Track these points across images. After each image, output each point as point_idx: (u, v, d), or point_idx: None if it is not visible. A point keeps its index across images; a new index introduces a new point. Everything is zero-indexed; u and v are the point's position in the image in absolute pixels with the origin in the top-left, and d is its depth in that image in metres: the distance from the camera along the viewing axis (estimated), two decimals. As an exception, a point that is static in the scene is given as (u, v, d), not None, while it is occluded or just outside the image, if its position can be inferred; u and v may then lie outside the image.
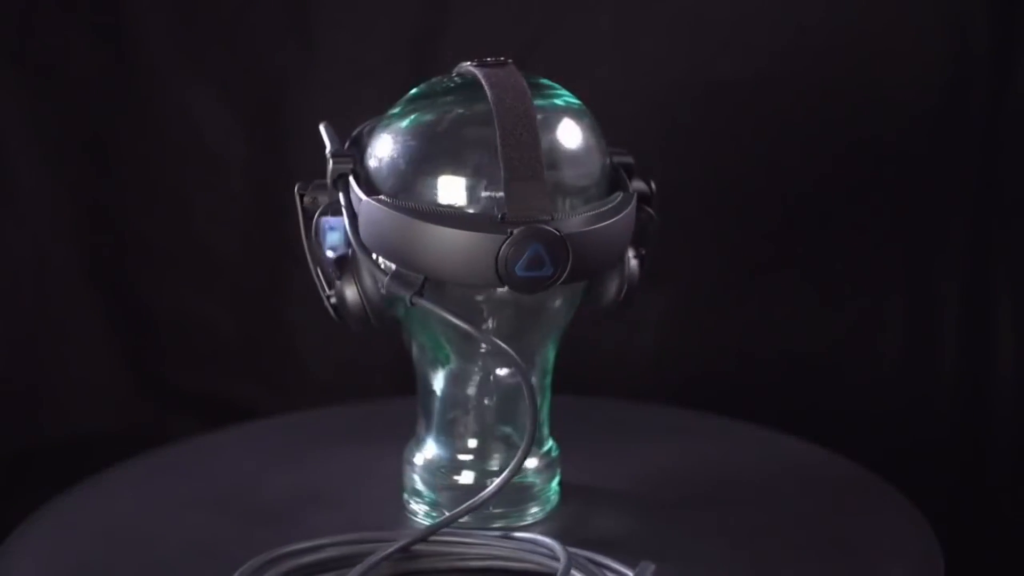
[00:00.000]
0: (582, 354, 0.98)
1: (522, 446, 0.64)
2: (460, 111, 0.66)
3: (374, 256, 0.67)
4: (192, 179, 1.22)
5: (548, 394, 0.74)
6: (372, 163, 0.68)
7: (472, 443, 0.72)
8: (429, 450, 0.73)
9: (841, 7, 1.13)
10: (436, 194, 0.65)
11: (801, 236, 1.17)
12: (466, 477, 0.72)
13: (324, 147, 0.69)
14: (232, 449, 0.93)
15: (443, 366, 0.71)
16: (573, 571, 0.62)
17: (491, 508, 0.71)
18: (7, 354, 1.20)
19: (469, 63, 0.67)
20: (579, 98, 0.71)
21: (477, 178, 0.64)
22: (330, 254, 0.69)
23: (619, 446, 0.85)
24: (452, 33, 1.17)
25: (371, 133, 0.69)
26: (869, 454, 0.85)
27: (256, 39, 1.21)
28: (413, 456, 0.74)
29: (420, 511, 0.74)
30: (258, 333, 1.23)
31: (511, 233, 0.61)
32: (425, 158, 0.65)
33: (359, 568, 0.62)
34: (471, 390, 0.72)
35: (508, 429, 0.72)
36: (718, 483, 0.81)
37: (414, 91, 0.70)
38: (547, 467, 0.74)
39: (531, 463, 0.73)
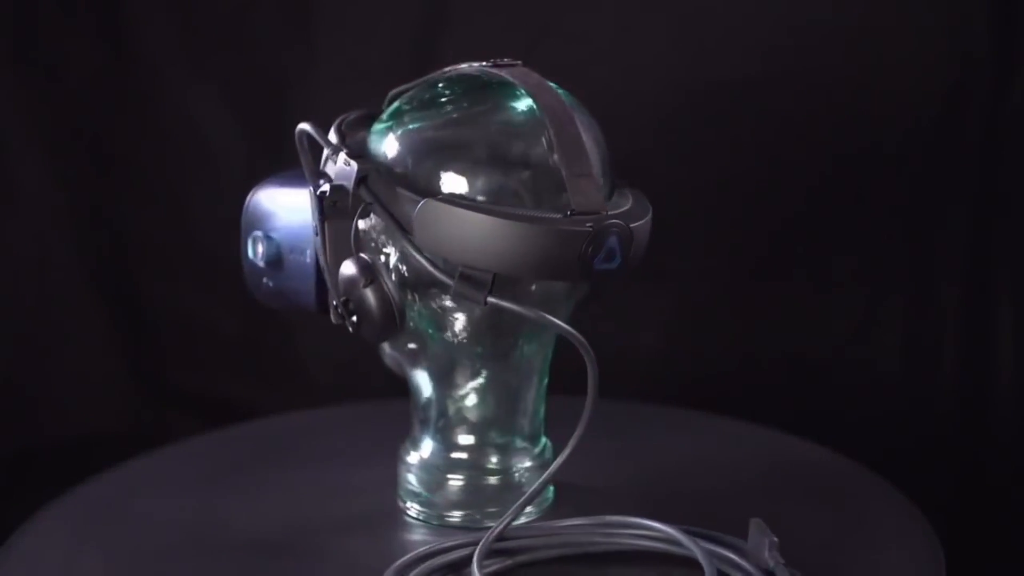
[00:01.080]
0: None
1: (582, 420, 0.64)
2: (502, 112, 0.67)
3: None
4: (193, 179, 1.22)
5: (544, 394, 0.74)
6: (403, 164, 0.66)
7: (466, 443, 0.72)
8: (424, 450, 0.73)
9: (841, 8, 1.13)
10: (489, 193, 0.65)
11: (802, 237, 1.17)
12: (460, 477, 0.72)
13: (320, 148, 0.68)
14: (232, 449, 0.93)
15: (441, 370, 0.71)
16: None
17: (485, 508, 0.71)
18: (8, 354, 1.20)
19: (480, 63, 0.68)
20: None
21: (534, 176, 0.65)
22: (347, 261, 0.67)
23: (615, 445, 0.85)
24: (452, 33, 1.17)
25: (385, 133, 0.68)
26: (870, 454, 0.85)
27: (257, 39, 1.21)
28: (407, 457, 0.74)
29: (414, 511, 0.74)
30: (258, 333, 1.23)
31: (590, 228, 0.62)
32: (476, 158, 0.65)
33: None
34: (466, 392, 0.71)
35: (501, 429, 0.72)
36: (718, 483, 0.81)
37: (418, 91, 0.69)
38: (541, 467, 0.74)
39: (525, 463, 0.73)
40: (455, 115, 0.67)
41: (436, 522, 0.73)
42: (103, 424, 1.22)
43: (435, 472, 0.73)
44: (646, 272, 1.10)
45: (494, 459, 0.72)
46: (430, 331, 0.69)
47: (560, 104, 0.65)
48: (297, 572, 0.69)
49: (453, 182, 0.65)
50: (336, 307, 0.67)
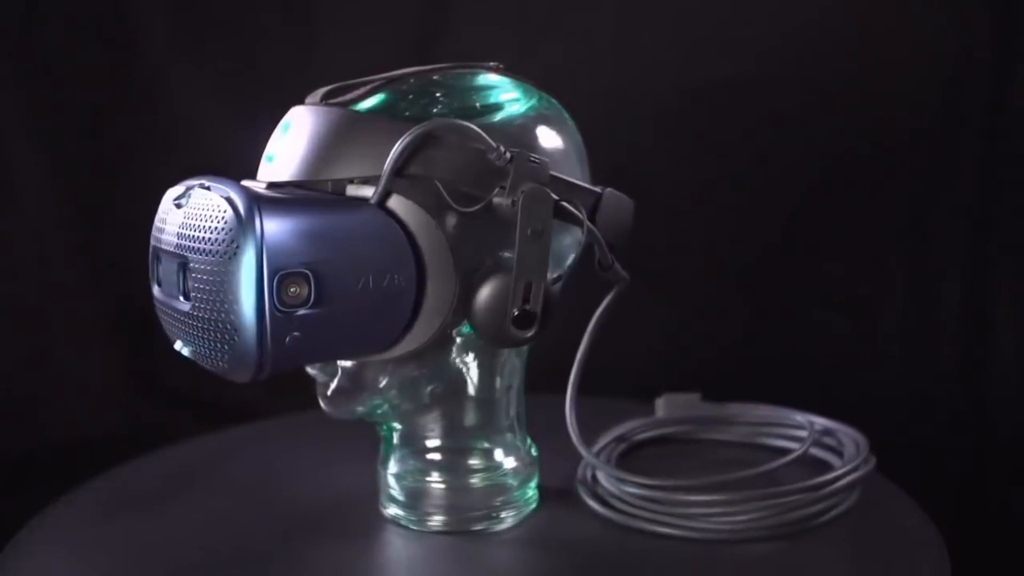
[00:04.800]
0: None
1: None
2: (560, 108, 0.72)
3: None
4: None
5: (523, 392, 0.74)
6: (548, 155, 0.67)
7: (448, 446, 0.72)
8: (401, 455, 0.73)
9: (841, 8, 1.13)
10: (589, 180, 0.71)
11: (802, 236, 1.17)
12: (438, 479, 0.72)
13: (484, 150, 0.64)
14: (232, 449, 0.93)
15: (437, 378, 0.70)
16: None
17: (468, 512, 0.71)
18: (8, 355, 1.20)
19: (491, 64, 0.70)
20: (580, 98, 0.71)
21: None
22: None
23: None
24: (452, 33, 1.17)
25: (507, 128, 0.66)
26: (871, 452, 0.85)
27: (256, 39, 1.21)
28: (388, 462, 0.73)
29: (392, 514, 0.73)
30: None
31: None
32: (580, 150, 0.72)
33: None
34: (446, 397, 0.71)
35: (484, 431, 0.72)
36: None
37: (506, 90, 0.69)
38: (526, 467, 0.74)
39: (509, 463, 0.73)
40: (554, 112, 0.70)
41: (418, 527, 0.72)
42: (103, 424, 1.22)
43: (412, 476, 0.72)
44: (646, 272, 1.11)
45: (476, 461, 0.72)
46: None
47: None
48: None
49: (584, 174, 0.71)
50: (511, 318, 0.64)
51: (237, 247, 0.57)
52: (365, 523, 0.74)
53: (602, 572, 0.68)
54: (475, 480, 0.72)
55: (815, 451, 0.81)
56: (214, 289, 0.58)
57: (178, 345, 0.64)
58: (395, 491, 0.73)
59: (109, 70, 1.21)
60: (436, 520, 0.72)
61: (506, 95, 0.68)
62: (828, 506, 0.72)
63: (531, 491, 0.75)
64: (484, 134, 0.63)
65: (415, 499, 0.72)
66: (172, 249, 0.61)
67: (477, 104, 0.67)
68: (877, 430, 1.14)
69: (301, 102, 0.68)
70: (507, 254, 0.65)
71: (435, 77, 0.67)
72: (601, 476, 0.76)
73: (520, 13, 1.16)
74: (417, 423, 0.71)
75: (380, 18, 1.18)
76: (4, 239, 1.20)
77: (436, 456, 0.72)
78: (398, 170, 0.62)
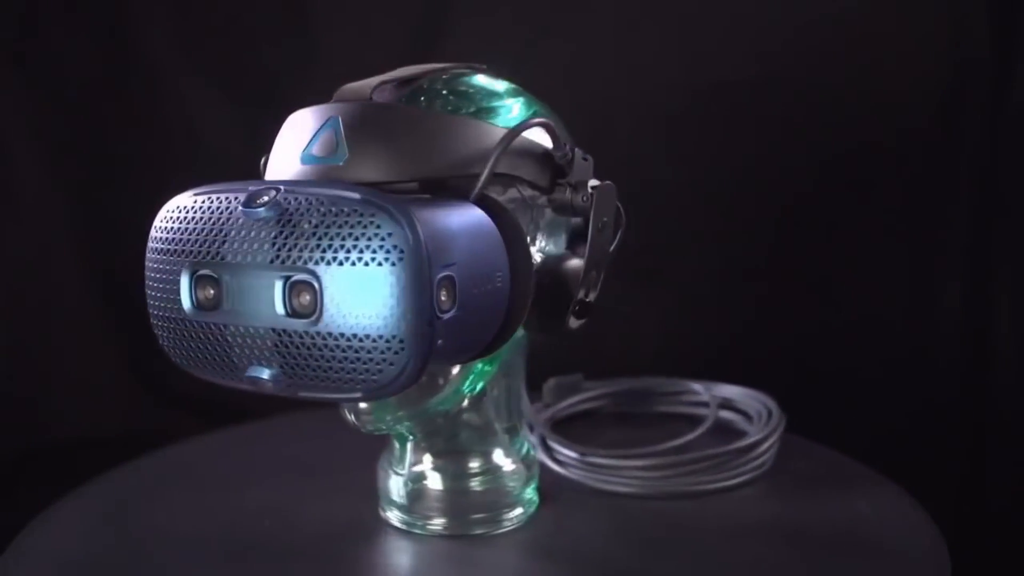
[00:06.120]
0: (582, 353, 0.98)
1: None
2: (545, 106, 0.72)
3: None
4: (192, 179, 1.21)
5: (521, 394, 0.74)
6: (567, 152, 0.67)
7: (447, 450, 0.72)
8: (403, 458, 0.73)
9: (841, 9, 1.13)
10: None
11: (802, 236, 1.17)
12: (436, 482, 0.71)
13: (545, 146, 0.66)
14: (231, 449, 0.93)
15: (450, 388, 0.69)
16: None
17: (468, 515, 0.71)
18: (8, 355, 1.20)
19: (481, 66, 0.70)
20: (580, 97, 0.71)
21: None
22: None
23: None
24: (452, 33, 1.17)
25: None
26: (870, 452, 0.86)
27: (257, 39, 1.21)
28: (386, 465, 0.73)
29: (393, 518, 0.73)
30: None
31: None
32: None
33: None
34: (473, 400, 0.71)
35: (482, 433, 0.72)
36: (741, 492, 0.81)
37: (504, 87, 0.69)
38: (527, 469, 0.74)
39: (507, 465, 0.73)
40: (543, 108, 0.70)
41: (419, 531, 0.72)
42: (103, 424, 1.22)
43: (413, 479, 0.72)
44: (646, 272, 1.11)
45: (479, 463, 0.72)
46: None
47: None
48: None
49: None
50: (574, 309, 0.66)
51: (401, 254, 0.53)
52: (365, 526, 0.74)
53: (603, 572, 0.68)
54: (475, 483, 0.72)
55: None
56: (368, 302, 0.54)
57: (257, 372, 0.58)
58: (396, 494, 0.73)
59: (109, 71, 1.21)
60: (436, 523, 0.71)
61: (512, 97, 0.69)
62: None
63: (532, 492, 0.75)
64: (558, 133, 0.65)
65: (416, 502, 0.72)
66: (266, 263, 0.56)
67: (495, 104, 0.67)
68: (877, 430, 1.14)
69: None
70: (550, 247, 0.68)
71: (444, 76, 0.67)
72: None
73: (520, 13, 1.16)
74: (436, 428, 0.71)
75: (380, 18, 1.18)
76: (4, 239, 1.20)
77: (438, 459, 0.72)
78: None
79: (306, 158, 0.61)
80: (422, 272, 0.54)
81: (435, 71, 0.67)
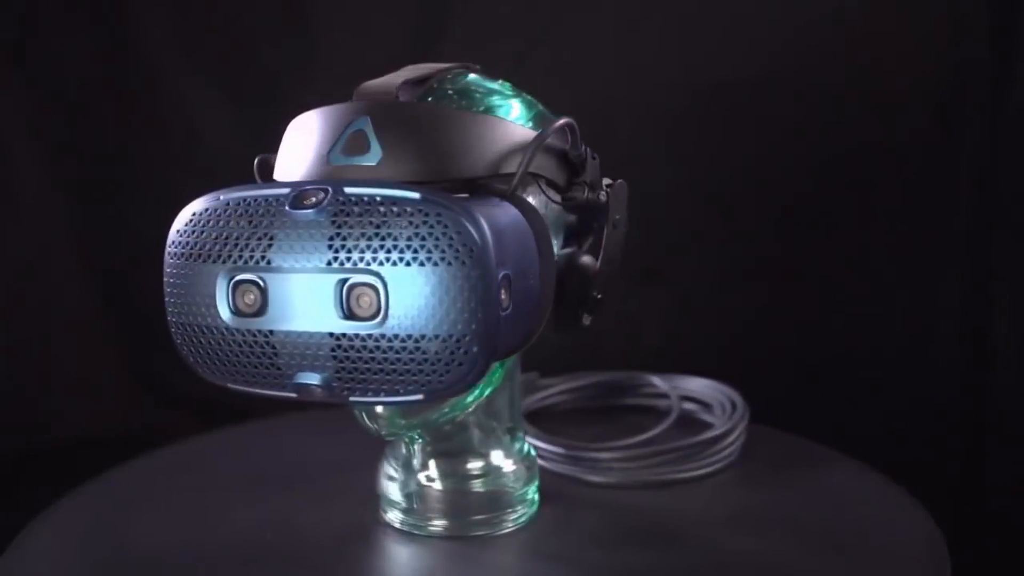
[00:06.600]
0: (582, 353, 0.98)
1: None
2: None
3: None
4: (192, 179, 1.21)
5: (518, 394, 0.74)
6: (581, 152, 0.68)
7: (447, 450, 0.72)
8: (403, 460, 0.73)
9: (841, 9, 1.13)
10: None
11: (802, 236, 1.17)
12: (436, 484, 0.71)
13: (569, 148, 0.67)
14: (231, 449, 0.93)
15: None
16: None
17: (469, 516, 0.71)
18: (8, 355, 1.20)
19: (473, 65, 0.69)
20: (580, 97, 0.71)
21: None
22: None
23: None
24: (452, 33, 1.16)
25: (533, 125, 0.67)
26: (870, 452, 0.86)
27: (256, 39, 1.21)
28: (387, 467, 0.73)
29: (396, 519, 0.73)
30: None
31: None
32: None
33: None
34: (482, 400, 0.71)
35: (482, 434, 0.72)
36: (718, 481, 0.81)
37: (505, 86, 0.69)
38: (527, 469, 0.74)
39: (507, 466, 0.72)
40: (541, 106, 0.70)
41: (420, 532, 0.72)
42: (103, 424, 1.22)
43: (417, 481, 0.72)
44: (646, 272, 1.11)
45: (476, 464, 0.72)
46: None
47: None
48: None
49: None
50: (589, 306, 0.67)
51: (471, 253, 0.53)
52: (366, 527, 0.74)
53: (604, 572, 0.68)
54: (476, 484, 0.72)
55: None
56: (437, 302, 0.53)
57: (307, 379, 0.57)
58: (396, 496, 0.73)
59: (109, 71, 1.21)
60: (437, 524, 0.71)
61: (512, 96, 0.69)
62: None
63: (532, 493, 0.75)
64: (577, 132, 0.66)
65: (417, 504, 0.72)
66: (322, 265, 0.55)
67: (499, 103, 0.67)
68: (877, 430, 1.14)
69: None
70: (562, 246, 0.69)
71: (449, 76, 0.67)
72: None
73: (520, 13, 1.16)
74: (443, 432, 0.70)
75: (380, 18, 1.18)
76: (4, 239, 1.20)
77: (439, 461, 0.71)
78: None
79: (335, 158, 0.60)
80: (492, 270, 0.53)
81: (442, 71, 0.66)
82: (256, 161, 0.68)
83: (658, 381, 0.96)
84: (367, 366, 0.55)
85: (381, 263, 0.54)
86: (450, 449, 0.71)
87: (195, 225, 0.59)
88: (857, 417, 1.15)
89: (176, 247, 0.59)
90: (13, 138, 1.19)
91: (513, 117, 0.66)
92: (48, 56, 1.19)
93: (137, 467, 0.88)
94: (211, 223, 0.58)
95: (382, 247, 0.54)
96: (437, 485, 0.71)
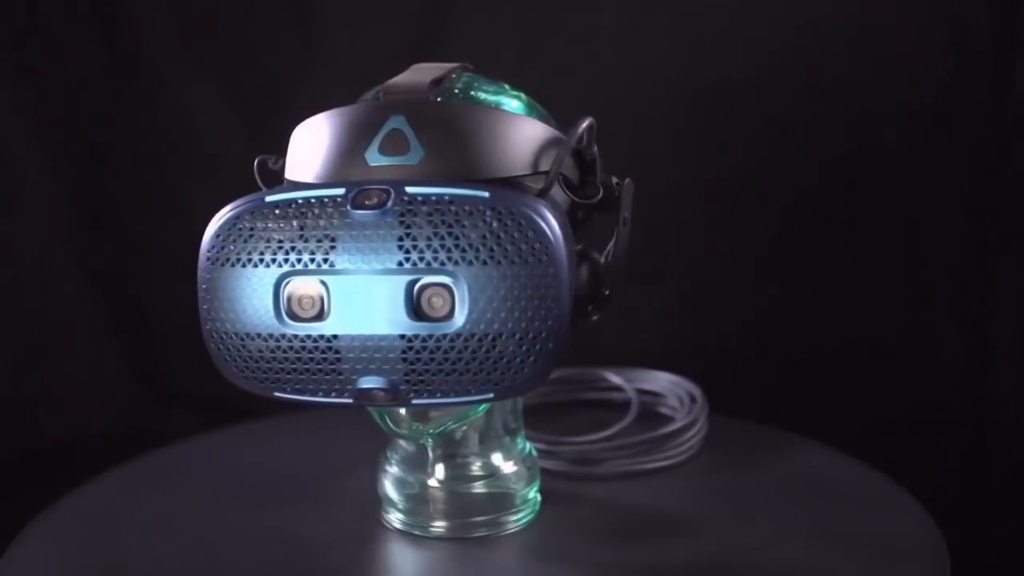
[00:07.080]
0: (582, 353, 0.98)
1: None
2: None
3: None
4: (192, 179, 1.22)
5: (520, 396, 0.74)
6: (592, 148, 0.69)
7: (451, 452, 0.71)
8: (404, 461, 0.72)
9: (842, 7, 1.13)
10: None
11: (802, 236, 1.17)
12: (438, 485, 0.71)
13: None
14: (232, 449, 0.93)
15: None
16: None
17: (471, 517, 0.71)
18: (8, 355, 1.20)
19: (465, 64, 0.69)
20: (580, 97, 0.71)
21: None
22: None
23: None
24: (452, 33, 1.16)
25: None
26: (870, 452, 0.85)
27: (256, 40, 1.21)
28: (386, 465, 0.73)
29: (395, 521, 0.73)
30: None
31: None
32: None
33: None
34: None
35: (484, 435, 0.72)
36: (719, 481, 0.81)
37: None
38: (528, 470, 0.73)
39: (508, 467, 0.72)
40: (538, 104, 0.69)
41: (420, 532, 0.72)
42: (103, 424, 1.22)
43: (413, 477, 0.72)
44: (646, 272, 1.11)
45: (477, 465, 0.72)
46: None
47: None
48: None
49: None
50: (598, 303, 0.66)
51: (547, 251, 0.54)
52: (367, 529, 0.74)
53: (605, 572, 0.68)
54: (478, 485, 0.71)
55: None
56: (512, 301, 0.54)
57: (372, 383, 0.56)
58: (397, 497, 0.72)
59: (110, 71, 1.21)
60: (439, 526, 0.71)
61: (511, 95, 0.68)
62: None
63: (534, 494, 0.74)
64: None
65: (418, 505, 0.72)
66: (392, 266, 0.54)
67: (503, 101, 0.67)
68: (877, 430, 1.14)
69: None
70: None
71: (452, 76, 0.67)
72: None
73: (520, 13, 1.16)
74: (449, 434, 0.70)
75: (380, 19, 1.18)
76: (4, 239, 1.20)
77: (440, 462, 0.71)
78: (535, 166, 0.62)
79: (373, 158, 0.59)
80: (564, 267, 0.54)
81: (450, 70, 0.66)
82: (256, 162, 0.68)
83: (614, 376, 0.96)
84: (440, 367, 0.55)
85: (457, 262, 0.54)
86: (450, 450, 0.71)
87: (236, 230, 0.58)
88: (857, 417, 1.15)
89: (214, 252, 0.58)
90: (13, 138, 1.19)
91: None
92: (48, 56, 1.19)
93: (137, 467, 0.88)
94: (257, 227, 0.57)
95: (457, 246, 0.54)
96: (439, 487, 0.71)
